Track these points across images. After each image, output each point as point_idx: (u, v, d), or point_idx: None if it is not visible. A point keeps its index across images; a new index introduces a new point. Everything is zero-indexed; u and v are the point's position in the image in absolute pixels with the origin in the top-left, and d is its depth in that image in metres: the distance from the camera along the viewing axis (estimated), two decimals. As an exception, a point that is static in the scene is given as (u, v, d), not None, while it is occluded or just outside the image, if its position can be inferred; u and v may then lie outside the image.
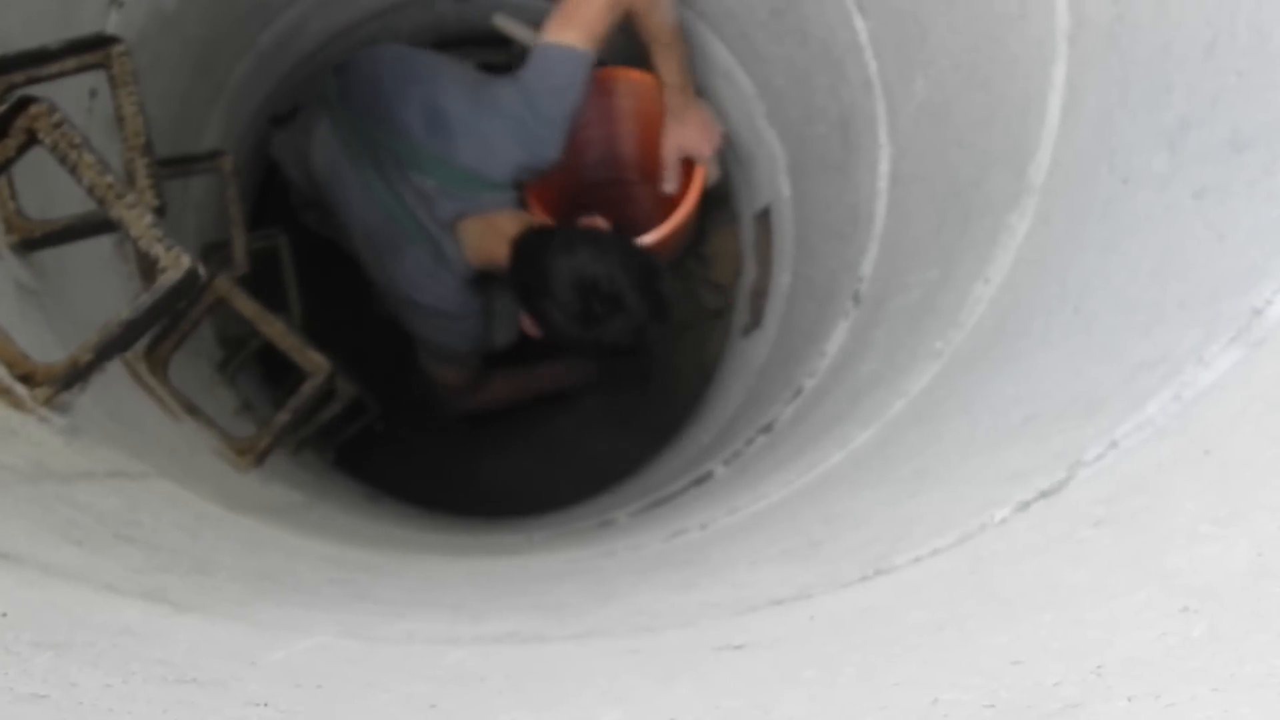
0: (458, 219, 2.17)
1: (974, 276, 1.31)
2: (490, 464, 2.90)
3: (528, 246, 2.09)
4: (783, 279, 2.40)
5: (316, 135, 2.27)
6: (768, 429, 1.83)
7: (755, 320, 2.52)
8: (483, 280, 2.32)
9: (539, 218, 2.30)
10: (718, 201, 2.83)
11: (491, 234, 2.16)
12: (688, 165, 2.45)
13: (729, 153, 2.58)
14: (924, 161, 1.61)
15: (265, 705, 0.66)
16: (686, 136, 2.40)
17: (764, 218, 2.53)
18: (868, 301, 1.76)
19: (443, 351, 2.40)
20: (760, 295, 2.54)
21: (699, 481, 1.82)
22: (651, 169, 2.50)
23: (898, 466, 1.19)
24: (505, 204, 2.21)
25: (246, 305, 1.64)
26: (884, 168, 1.77)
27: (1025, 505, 0.85)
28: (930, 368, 1.31)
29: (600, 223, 2.24)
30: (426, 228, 2.17)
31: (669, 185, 2.46)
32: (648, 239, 2.30)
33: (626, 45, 2.35)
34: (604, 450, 2.89)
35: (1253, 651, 0.54)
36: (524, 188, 2.29)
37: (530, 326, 2.17)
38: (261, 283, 1.85)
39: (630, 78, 2.48)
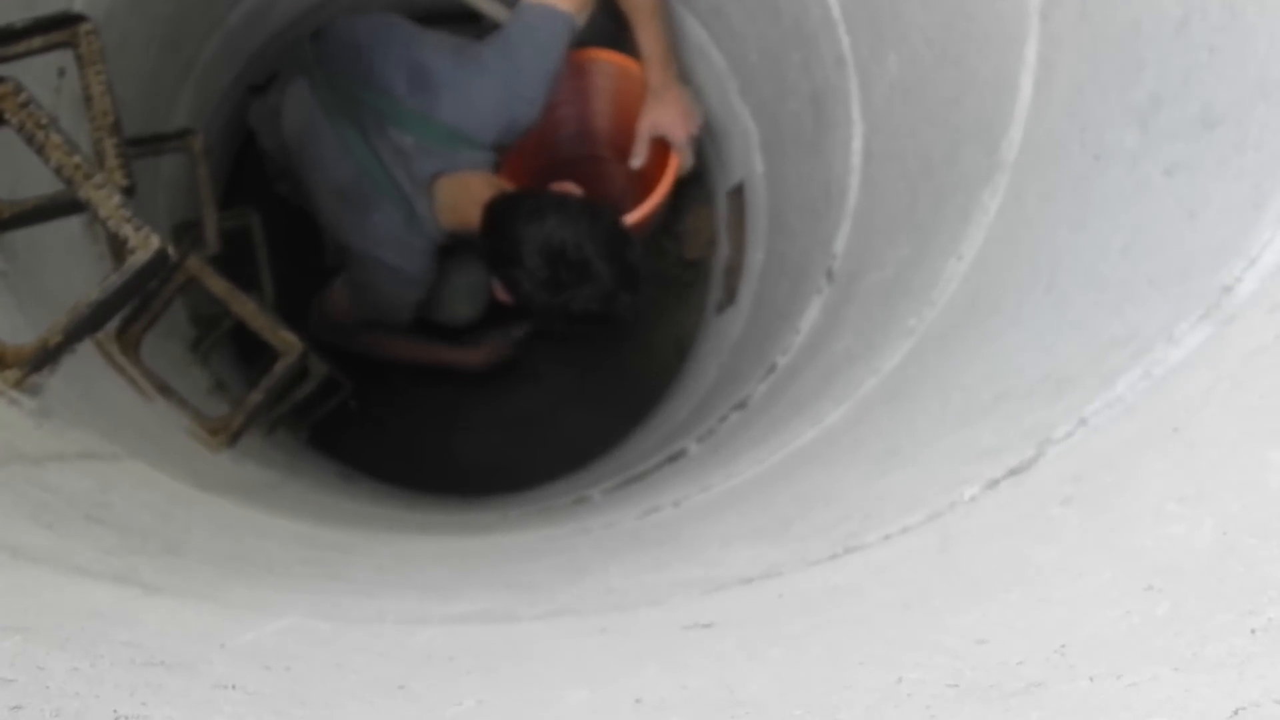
0: (435, 177, 2.17)
1: (947, 254, 1.31)
2: (465, 442, 2.89)
3: (499, 211, 2.07)
4: (756, 256, 2.40)
5: (290, 94, 2.27)
6: (741, 406, 1.83)
7: (729, 297, 2.52)
8: (447, 250, 2.32)
9: (511, 183, 2.28)
10: (692, 179, 2.82)
11: (465, 196, 2.15)
12: (662, 147, 2.43)
13: (704, 132, 2.57)
14: (897, 138, 1.61)
15: (233, 688, 0.65)
16: (663, 117, 2.38)
17: (737, 195, 2.53)
18: (841, 278, 1.75)
19: (377, 305, 2.39)
20: (734, 272, 2.53)
21: (673, 459, 1.82)
22: (625, 148, 2.49)
23: (870, 444, 1.19)
24: (482, 165, 2.20)
25: (218, 284, 1.63)
26: (857, 144, 1.76)
27: (994, 483, 0.85)
28: (903, 345, 1.31)
29: (572, 188, 2.21)
30: (401, 185, 2.17)
31: (636, 160, 2.44)
32: (630, 218, 2.29)
33: (607, 27, 2.34)
34: (579, 427, 2.89)
35: (1215, 631, 0.54)
36: (501, 153, 2.27)
37: (502, 292, 2.15)
38: (234, 262, 1.83)
39: (608, 59, 2.46)
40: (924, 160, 1.49)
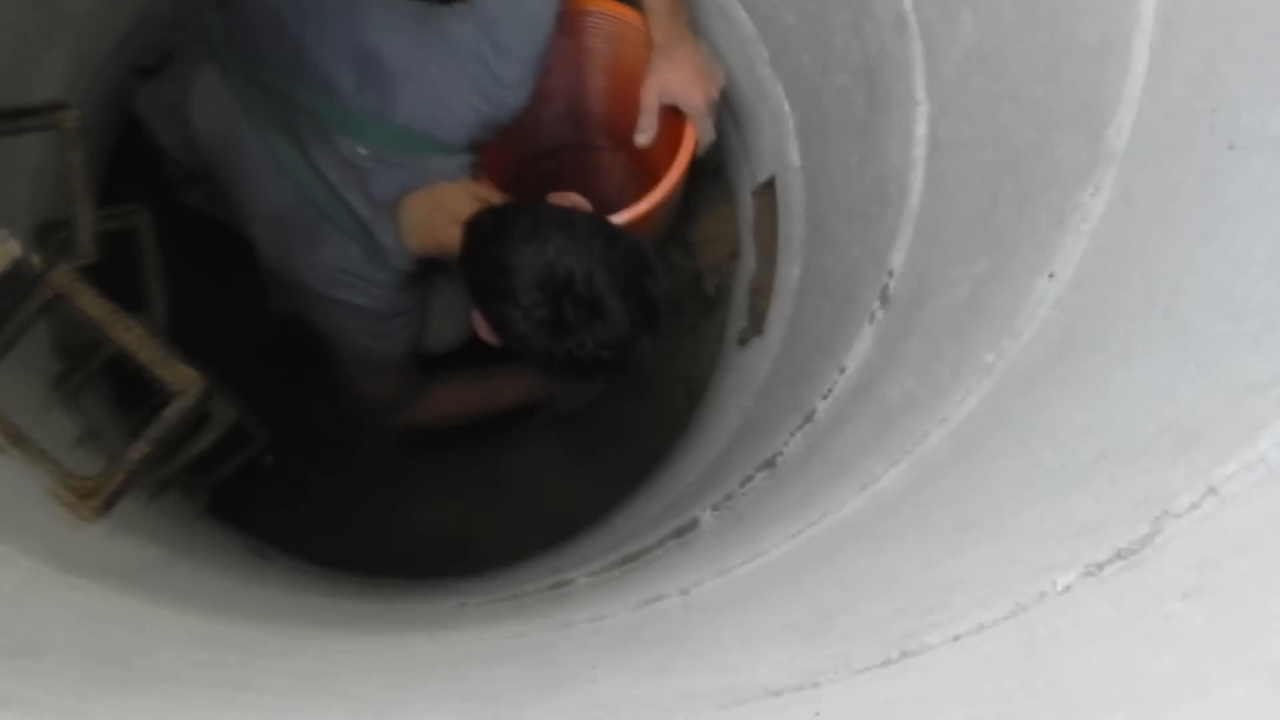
0: (399, 195, 2.15)
1: (1035, 271, 1.30)
2: (412, 509, 2.88)
3: (484, 231, 2.03)
4: (790, 272, 2.40)
5: (199, 89, 2.23)
6: (769, 465, 1.82)
7: (755, 326, 2.52)
8: (421, 270, 2.30)
9: (496, 192, 2.23)
10: (709, 172, 2.83)
11: (438, 213, 2.13)
12: (674, 119, 2.41)
13: (724, 111, 2.57)
14: (972, 122, 1.61)
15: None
16: (675, 79, 2.35)
17: (767, 193, 2.53)
18: (899, 301, 1.75)
19: (367, 358, 2.38)
20: (762, 293, 2.53)
21: (680, 532, 1.81)
22: (626, 131, 2.47)
23: (934, 515, 1.18)
24: (458, 172, 2.18)
25: (94, 304, 1.62)
26: (920, 130, 1.76)
27: (1096, 569, 0.84)
28: (978, 388, 1.30)
29: (577, 201, 2.14)
30: (356, 211, 2.14)
31: (643, 136, 2.40)
32: (620, 218, 2.28)
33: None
34: (559, 491, 2.89)
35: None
36: (479, 151, 2.26)
37: (485, 330, 2.10)
38: (115, 274, 1.83)
39: (606, 11, 2.46)
40: (1006, 150, 1.49)
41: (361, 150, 2.13)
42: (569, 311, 1.92)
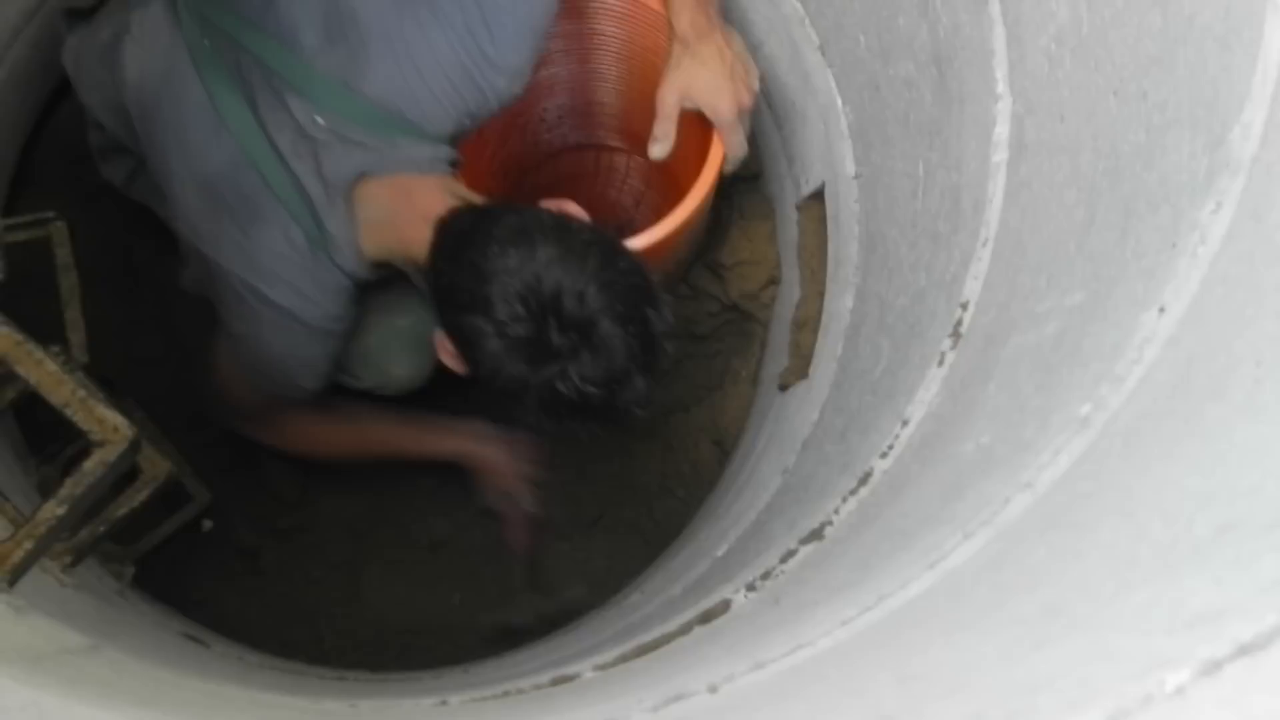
0: (357, 178, 2.15)
1: (1141, 303, 1.30)
2: (383, 584, 2.88)
3: (459, 231, 2.02)
4: (842, 303, 2.40)
5: (138, 24, 2.25)
6: (815, 536, 1.81)
7: (798, 367, 2.51)
8: (369, 285, 2.30)
9: (476, 195, 2.22)
10: (744, 181, 2.83)
11: (405, 205, 2.13)
12: (699, 127, 2.41)
13: (762, 107, 2.57)
14: (1064, 122, 1.61)
15: None
16: (700, 81, 2.34)
17: (814, 206, 2.54)
18: (974, 339, 1.75)
19: (256, 360, 2.36)
20: (807, 328, 2.53)
21: (708, 617, 1.80)
22: (643, 129, 2.47)
23: (1017, 599, 1.17)
24: (431, 165, 2.20)
25: (-1, 332, 1.62)
26: (1002, 131, 1.76)
27: (1215, 667, 0.84)
28: (1070, 445, 1.29)
29: (572, 208, 2.13)
30: (304, 186, 2.14)
31: (658, 147, 2.41)
32: (636, 242, 2.28)
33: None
34: (560, 565, 2.88)
35: None
36: (460, 145, 2.27)
37: (448, 353, 2.10)
38: (25, 295, 1.83)
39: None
40: (1107, 156, 1.49)
41: (319, 119, 2.14)
42: (553, 333, 1.91)
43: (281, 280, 2.19)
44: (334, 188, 2.14)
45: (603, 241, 1.99)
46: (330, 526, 2.88)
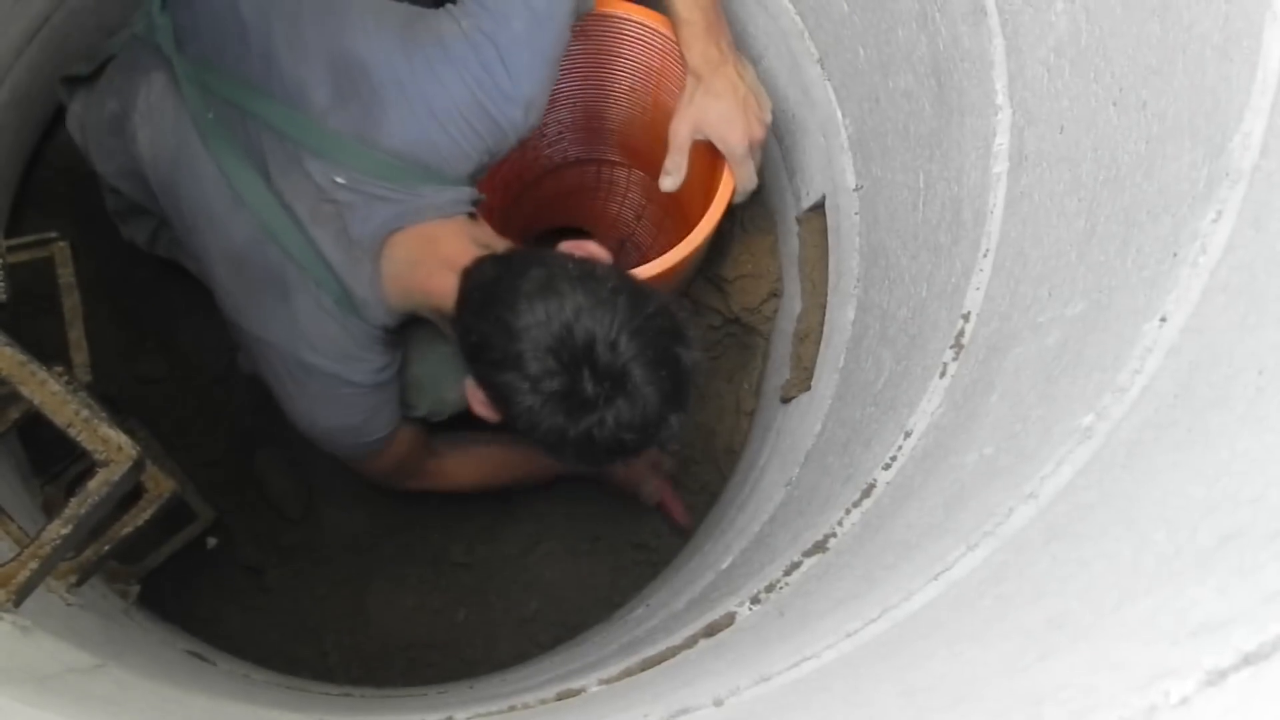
0: (385, 234, 2.10)
1: (1143, 313, 1.29)
2: (387, 602, 2.88)
3: (485, 284, 1.99)
4: (843, 315, 2.39)
5: (144, 101, 2.21)
6: (819, 548, 1.81)
7: (800, 379, 2.51)
8: (400, 328, 2.26)
9: (499, 238, 2.21)
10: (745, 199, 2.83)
11: (430, 256, 2.09)
12: (709, 157, 2.42)
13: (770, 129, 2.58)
14: (1064, 132, 1.60)
15: None
16: (712, 115, 2.36)
17: (815, 219, 2.53)
18: (976, 351, 1.74)
19: (357, 446, 2.35)
20: (809, 340, 2.53)
21: (712, 630, 1.79)
22: (646, 145, 2.48)
23: (1020, 611, 1.17)
24: (454, 207, 2.15)
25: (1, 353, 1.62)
26: (1001, 141, 1.76)
27: (1219, 676, 0.83)
28: (1073, 455, 1.29)
29: (594, 251, 2.10)
30: (325, 254, 2.10)
31: (669, 180, 2.42)
32: (643, 272, 2.28)
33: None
34: (565, 579, 2.88)
35: None
36: (479, 182, 2.24)
37: (481, 404, 2.08)
38: (28, 316, 1.83)
39: (629, 15, 2.47)
40: (1107, 166, 1.48)
41: (339, 179, 2.08)
42: (588, 384, 1.88)
43: (323, 345, 2.17)
44: (362, 248, 2.10)
45: (629, 286, 1.96)
46: (334, 543, 2.87)
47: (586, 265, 1.97)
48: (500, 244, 2.14)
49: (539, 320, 1.88)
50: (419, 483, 2.60)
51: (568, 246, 2.08)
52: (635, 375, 1.89)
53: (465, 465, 2.64)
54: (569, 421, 1.91)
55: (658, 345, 1.91)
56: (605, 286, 1.91)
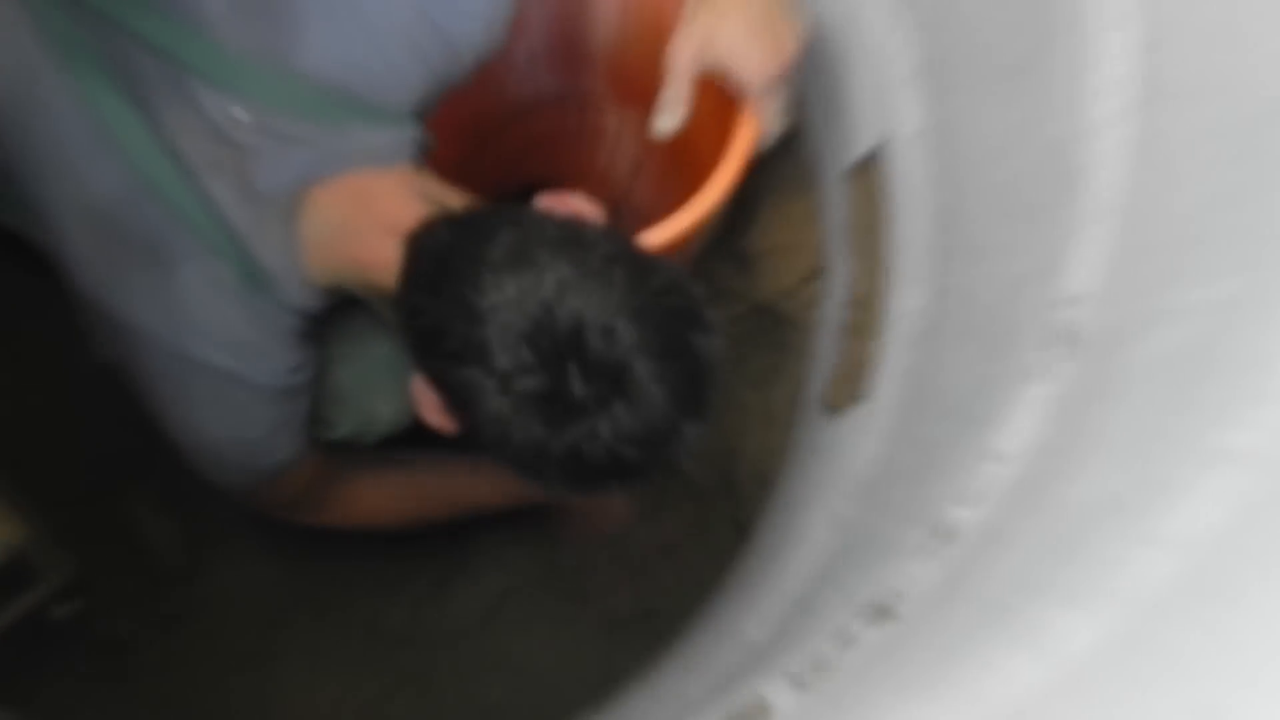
0: (300, 187, 2.06)
1: (1316, 295, 1.28)
2: (304, 687, 2.89)
3: (439, 252, 1.91)
4: (908, 300, 2.39)
5: None
6: (883, 613, 1.81)
7: (852, 384, 2.51)
8: (325, 312, 2.23)
9: (454, 191, 2.18)
10: (775, 145, 2.82)
11: (363, 216, 2.05)
12: (717, 96, 2.41)
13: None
14: (1204, 55, 1.59)
15: None
16: (723, 37, 2.31)
17: (867, 176, 2.53)
18: (1089, 346, 1.74)
19: (243, 462, 2.31)
20: (863, 333, 2.53)
21: (739, 722, 1.79)
22: (643, 79, 2.46)
23: (1158, 698, 1.16)
24: (393, 152, 2.13)
25: None
26: (1120, 70, 1.75)
27: None
28: (1224, 485, 1.28)
29: (583, 207, 2.04)
30: (225, 212, 2.05)
31: (666, 119, 2.39)
32: (654, 237, 2.28)
33: None
34: (540, 652, 2.88)
35: None
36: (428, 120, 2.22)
37: (434, 410, 2.00)
38: None
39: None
40: (1265, 99, 1.47)
41: (240, 115, 2.04)
42: (575, 382, 1.77)
43: (217, 333, 2.10)
44: (268, 205, 2.05)
45: (627, 253, 1.87)
46: (229, 609, 2.87)
47: (572, 227, 1.88)
48: (456, 200, 2.10)
49: (510, 298, 1.77)
50: (321, 516, 2.57)
51: (547, 201, 2.02)
52: (637, 370, 1.77)
53: (385, 494, 2.61)
54: (550, 432, 1.79)
55: (667, 331, 1.81)
56: (596, 254, 1.81)
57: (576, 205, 2.01)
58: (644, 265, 1.83)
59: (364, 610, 2.90)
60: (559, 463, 1.80)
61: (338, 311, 2.24)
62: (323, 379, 2.33)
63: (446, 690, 2.87)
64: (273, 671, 2.85)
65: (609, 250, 1.81)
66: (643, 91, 2.40)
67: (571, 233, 1.84)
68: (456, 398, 1.87)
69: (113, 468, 2.75)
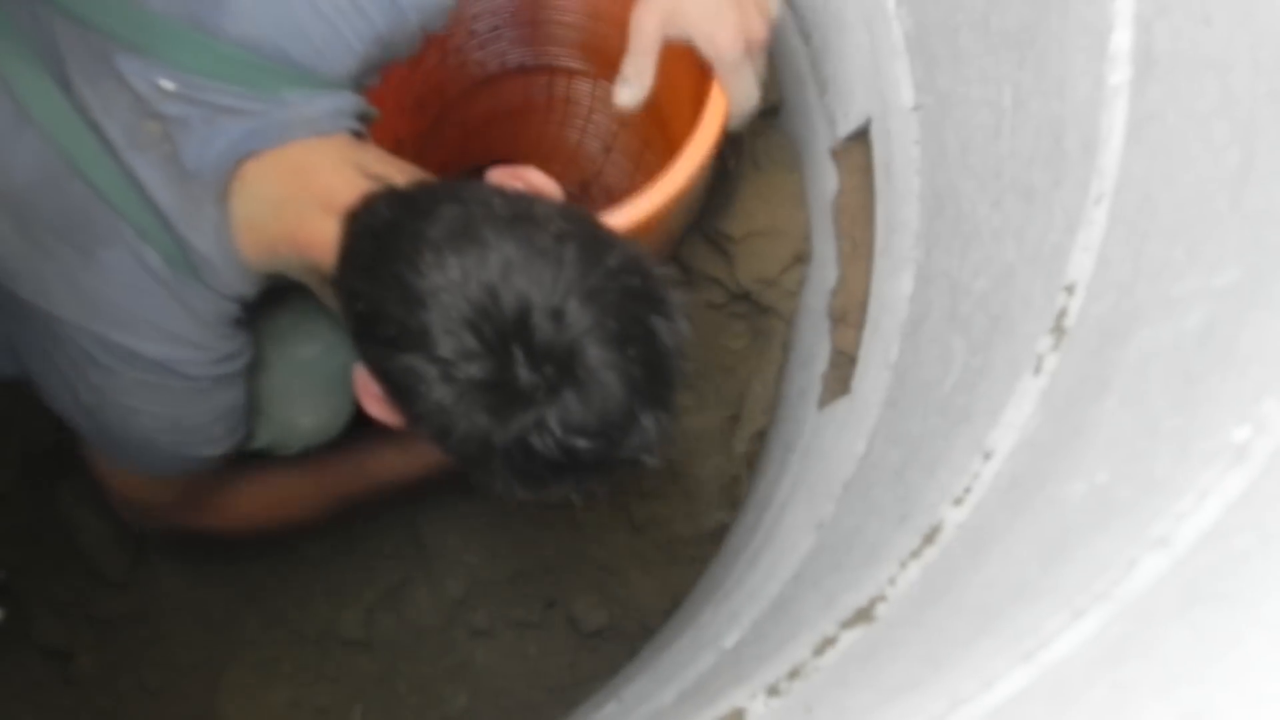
0: (234, 163, 2.04)
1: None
2: (253, 696, 2.89)
3: (378, 230, 1.91)
4: (896, 287, 2.40)
5: None
6: (864, 617, 1.81)
7: (837, 377, 2.52)
8: (264, 299, 2.23)
9: (397, 163, 2.17)
10: (758, 118, 2.83)
11: (300, 192, 2.05)
12: (689, 65, 2.41)
13: (784, 20, 2.57)
14: (1213, 24, 1.60)
15: None
16: (692, 7, 2.30)
17: (856, 153, 2.54)
18: (1084, 337, 1.74)
19: (140, 453, 2.30)
20: (848, 323, 2.53)
21: (710, 735, 1.80)
22: (618, 51, 2.45)
23: (1149, 704, 1.17)
24: (332, 122, 2.12)
25: None
26: (1122, 39, 1.75)
27: None
28: (1222, 484, 1.29)
29: (537, 181, 2.06)
30: (152, 195, 2.03)
31: (628, 90, 2.39)
32: (617, 218, 2.28)
33: None
34: (505, 664, 2.88)
35: None
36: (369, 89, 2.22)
37: (376, 402, 2.01)
38: None
39: None
40: (1271, 71, 1.48)
41: (166, 84, 2.02)
42: (521, 369, 1.78)
43: (143, 324, 2.09)
44: (202, 182, 2.03)
45: (581, 230, 1.87)
46: (173, 614, 2.87)
47: (522, 203, 1.89)
48: (401, 174, 2.07)
49: (452, 280, 1.78)
50: (189, 520, 2.57)
51: (498, 175, 2.04)
52: (589, 356, 1.78)
53: (264, 497, 2.61)
54: (495, 423, 1.80)
55: (622, 313, 1.81)
56: (547, 232, 1.82)
57: (531, 179, 2.02)
58: (600, 243, 1.84)
59: (318, 615, 2.89)
60: (505, 456, 1.82)
61: (258, 312, 2.23)
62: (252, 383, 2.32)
63: (406, 699, 2.87)
64: (221, 679, 2.85)
65: (561, 228, 1.82)
66: (617, 59, 2.37)
67: (521, 209, 1.84)
68: (397, 386, 1.87)
69: (48, 467, 2.74)
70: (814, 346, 2.66)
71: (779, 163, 2.87)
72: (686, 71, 2.37)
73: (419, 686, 2.87)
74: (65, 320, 2.08)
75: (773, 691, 1.80)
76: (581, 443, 1.80)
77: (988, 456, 1.81)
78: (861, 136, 2.51)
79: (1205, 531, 1.28)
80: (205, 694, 2.84)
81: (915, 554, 1.82)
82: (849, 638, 1.80)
